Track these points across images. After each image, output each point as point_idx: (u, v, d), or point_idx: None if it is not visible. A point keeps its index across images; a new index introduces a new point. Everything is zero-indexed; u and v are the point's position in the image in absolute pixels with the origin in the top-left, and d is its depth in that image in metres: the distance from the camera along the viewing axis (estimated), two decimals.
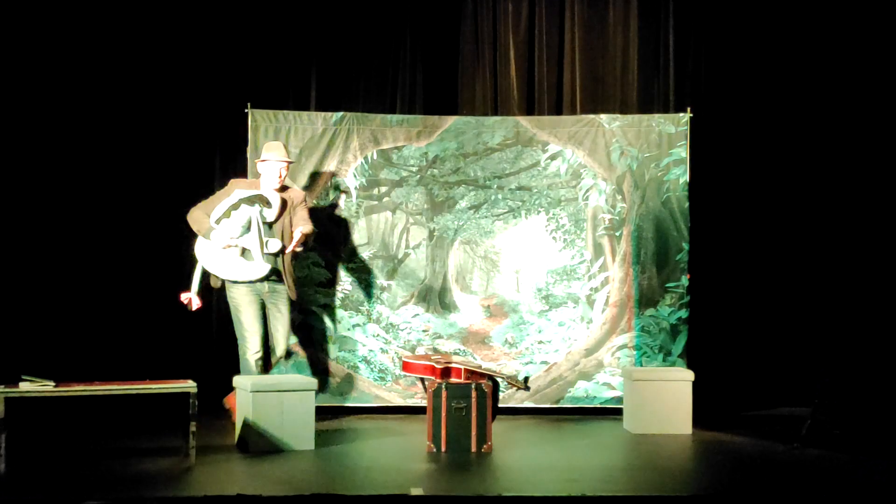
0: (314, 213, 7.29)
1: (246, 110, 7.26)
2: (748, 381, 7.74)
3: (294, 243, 6.49)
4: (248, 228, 6.46)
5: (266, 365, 6.60)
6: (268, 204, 6.53)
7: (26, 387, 5.44)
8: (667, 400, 6.62)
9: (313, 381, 6.23)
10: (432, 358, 6.45)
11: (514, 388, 6.90)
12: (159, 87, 7.73)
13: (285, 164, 6.62)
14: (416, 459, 5.81)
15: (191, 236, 6.66)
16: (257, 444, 5.93)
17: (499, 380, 6.38)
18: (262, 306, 6.59)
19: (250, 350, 6.49)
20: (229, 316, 7.67)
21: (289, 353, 6.90)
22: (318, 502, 4.78)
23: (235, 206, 6.53)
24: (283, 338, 6.64)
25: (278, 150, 6.65)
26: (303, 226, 6.54)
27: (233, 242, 6.46)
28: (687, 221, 7.30)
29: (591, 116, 7.46)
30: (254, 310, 6.53)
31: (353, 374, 7.29)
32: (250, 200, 6.55)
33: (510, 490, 5.04)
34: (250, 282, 6.51)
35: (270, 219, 6.53)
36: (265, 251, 6.47)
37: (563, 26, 7.93)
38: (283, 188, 6.66)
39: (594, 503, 4.83)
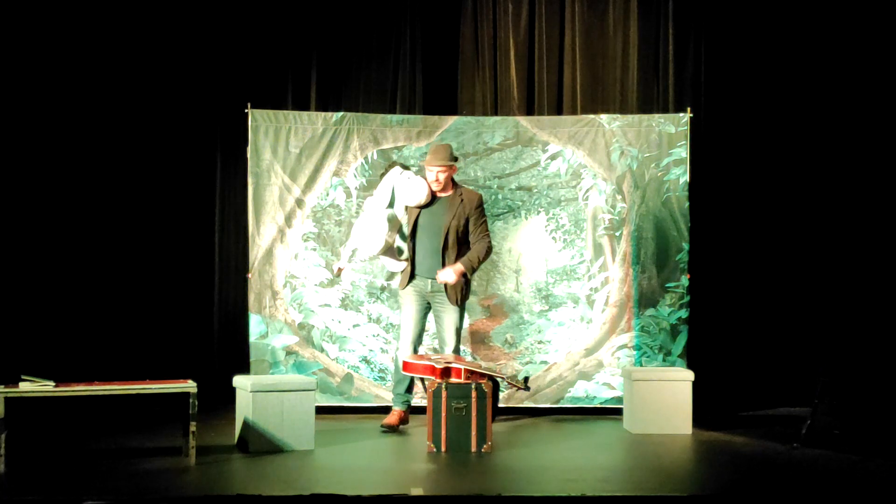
0: (317, 214, 7.30)
1: (246, 110, 7.26)
2: (748, 381, 7.75)
3: (452, 279, 6.46)
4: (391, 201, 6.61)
5: None
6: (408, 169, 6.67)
7: (26, 387, 5.44)
8: (667, 400, 6.62)
9: (313, 381, 6.24)
10: (432, 358, 6.45)
11: (514, 388, 6.89)
12: (159, 88, 7.74)
13: (440, 167, 6.48)
14: (416, 459, 5.82)
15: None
16: (257, 444, 5.93)
17: (499, 380, 6.38)
18: (427, 308, 6.63)
19: (401, 351, 6.60)
20: (230, 316, 7.73)
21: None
22: (318, 502, 4.78)
23: (387, 169, 6.74)
24: (449, 338, 6.57)
25: (435, 154, 6.55)
26: (459, 263, 6.45)
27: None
28: (687, 221, 7.30)
29: (591, 116, 7.46)
30: (413, 311, 6.60)
31: (353, 374, 7.28)
32: (403, 165, 6.76)
33: (510, 490, 5.04)
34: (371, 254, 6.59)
35: (416, 201, 6.51)
36: (396, 249, 6.62)
37: (563, 26, 7.94)
38: (456, 189, 6.61)
39: (594, 503, 4.83)
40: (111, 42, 7.65)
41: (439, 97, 7.92)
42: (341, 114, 7.38)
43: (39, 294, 7.46)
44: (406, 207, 6.63)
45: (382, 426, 6.59)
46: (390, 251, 6.66)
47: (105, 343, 7.45)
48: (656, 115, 7.47)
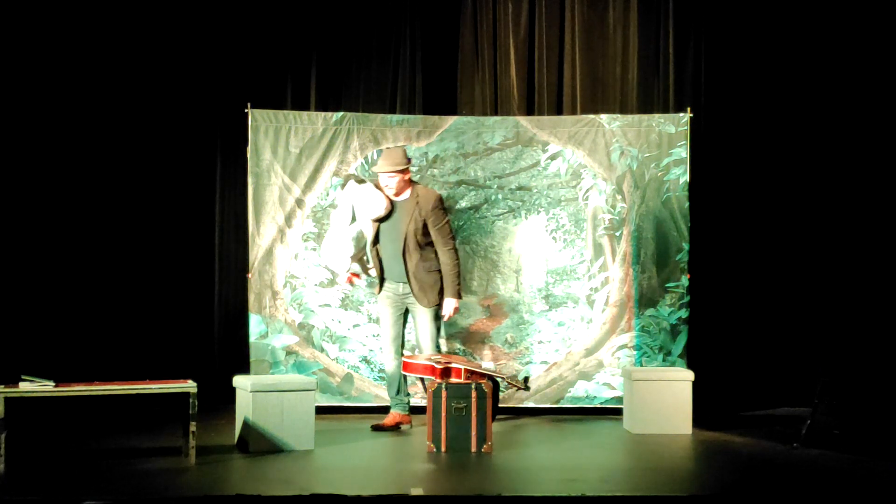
0: (317, 214, 7.30)
1: (246, 110, 7.26)
2: (748, 381, 7.75)
3: (452, 311, 6.58)
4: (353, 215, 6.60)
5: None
6: (362, 182, 6.56)
7: (26, 387, 5.44)
8: (667, 400, 6.62)
9: (313, 381, 6.24)
10: (432, 358, 6.45)
11: (514, 388, 6.90)
12: (160, 88, 7.74)
13: (388, 173, 6.43)
14: (416, 459, 5.82)
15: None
16: (257, 444, 5.93)
17: (499, 380, 6.38)
18: (403, 311, 6.63)
19: (383, 355, 6.72)
20: (231, 316, 7.73)
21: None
22: (318, 502, 4.78)
23: (344, 182, 6.65)
24: (423, 341, 6.58)
25: (385, 158, 6.49)
26: (450, 296, 6.51)
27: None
28: (687, 221, 7.30)
29: (592, 116, 7.46)
30: (389, 314, 6.62)
31: (353, 373, 7.28)
32: (357, 178, 6.66)
33: (510, 490, 5.04)
34: (377, 219, 6.51)
35: (374, 214, 6.47)
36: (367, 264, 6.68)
37: (563, 26, 7.94)
38: (413, 190, 6.54)
39: (594, 503, 4.83)
40: (112, 43, 7.65)
41: (439, 97, 7.92)
42: (341, 114, 7.38)
43: (39, 294, 7.45)
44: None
45: (372, 425, 6.64)
46: (362, 268, 6.72)
47: (105, 343, 7.45)
48: (656, 115, 7.47)
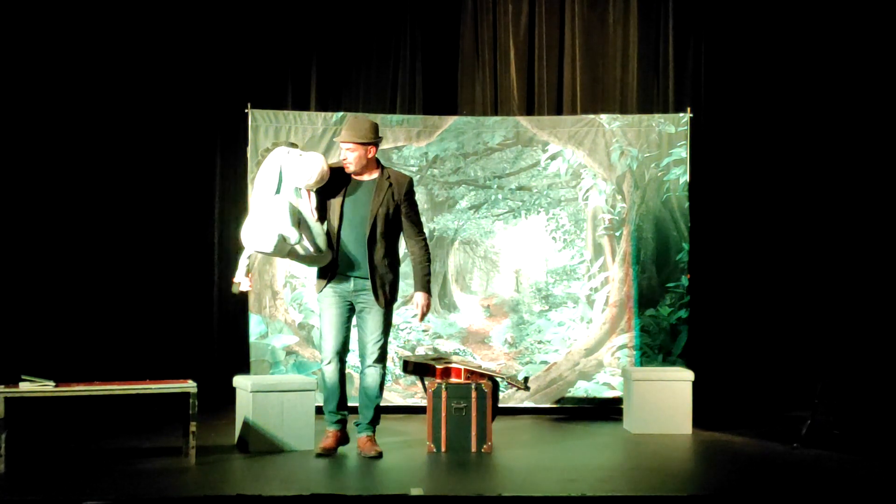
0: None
1: (246, 110, 7.26)
2: (748, 381, 7.75)
3: (419, 315, 5.86)
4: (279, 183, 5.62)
5: (364, 374, 5.86)
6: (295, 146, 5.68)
7: (26, 387, 5.44)
8: (667, 400, 6.62)
9: (313, 381, 6.23)
10: (432, 358, 6.44)
11: (514, 388, 6.90)
12: (160, 88, 7.75)
13: (348, 145, 5.70)
14: (416, 459, 5.81)
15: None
16: (257, 444, 5.93)
17: (499, 380, 6.38)
18: (350, 311, 5.80)
19: (324, 360, 5.84)
20: (230, 316, 7.73)
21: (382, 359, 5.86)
22: (318, 502, 4.78)
23: (266, 151, 5.77)
24: (371, 344, 5.77)
25: (348, 128, 5.74)
26: (421, 290, 5.79)
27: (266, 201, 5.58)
28: (687, 221, 7.30)
29: (592, 116, 7.46)
30: (333, 314, 5.76)
31: (353, 373, 7.27)
32: (288, 143, 5.80)
33: (510, 490, 5.04)
34: (263, 253, 5.65)
35: (302, 182, 5.62)
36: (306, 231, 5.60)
37: (563, 26, 7.94)
38: (382, 171, 5.82)
39: (594, 503, 4.83)
40: (112, 43, 7.66)
41: (439, 97, 7.93)
42: (341, 114, 7.38)
43: (39, 294, 7.46)
44: (328, 200, 5.75)
45: (319, 451, 5.81)
46: (291, 251, 5.67)
47: (105, 343, 7.45)
48: (656, 115, 7.47)
